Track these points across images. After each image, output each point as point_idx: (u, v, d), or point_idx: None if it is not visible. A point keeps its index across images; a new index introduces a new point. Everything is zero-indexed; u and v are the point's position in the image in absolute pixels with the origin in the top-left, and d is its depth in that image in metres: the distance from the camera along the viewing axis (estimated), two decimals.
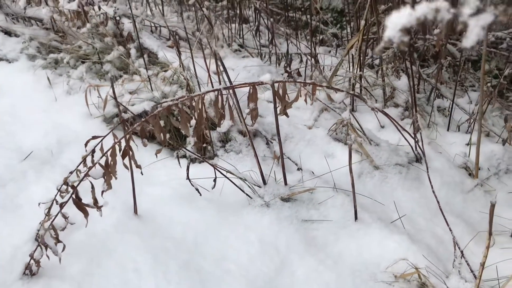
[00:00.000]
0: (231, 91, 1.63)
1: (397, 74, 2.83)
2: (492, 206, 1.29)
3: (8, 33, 2.71)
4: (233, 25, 3.56)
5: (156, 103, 1.77)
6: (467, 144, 2.39)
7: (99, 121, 2.21)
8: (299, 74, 2.76)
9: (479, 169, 2.27)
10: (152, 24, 2.89)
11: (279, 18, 4.33)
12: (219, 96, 1.60)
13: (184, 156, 1.95)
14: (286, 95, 1.70)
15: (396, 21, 0.56)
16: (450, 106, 2.61)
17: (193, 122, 1.98)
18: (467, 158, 2.30)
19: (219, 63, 1.61)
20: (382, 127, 2.46)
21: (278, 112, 1.67)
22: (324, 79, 2.61)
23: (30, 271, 1.45)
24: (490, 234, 1.36)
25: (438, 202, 1.70)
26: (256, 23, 3.19)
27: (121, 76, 2.29)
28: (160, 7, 3.57)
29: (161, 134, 1.48)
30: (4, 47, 2.65)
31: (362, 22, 2.33)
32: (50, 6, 2.40)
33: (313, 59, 3.03)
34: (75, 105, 2.29)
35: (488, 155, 2.33)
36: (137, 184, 1.85)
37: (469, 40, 0.55)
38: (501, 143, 2.40)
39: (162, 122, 1.50)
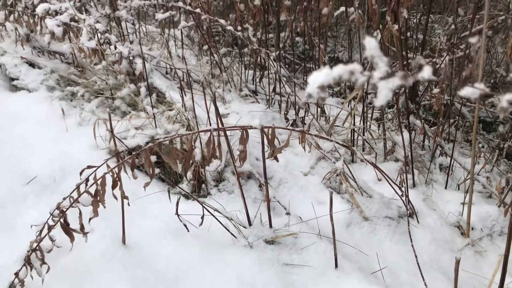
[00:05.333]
0: (221, 132, 1.72)
1: (399, 129, 2.89)
2: (457, 262, 1.32)
3: (32, 64, 2.88)
4: (250, 72, 3.70)
5: (149, 139, 1.87)
6: (463, 203, 2.40)
7: (104, 152, 2.32)
8: (303, 122, 2.85)
9: (472, 229, 2.28)
10: (168, 66, 3.03)
11: (297, 67, 4.46)
12: (211, 137, 1.69)
13: (179, 193, 2.02)
14: (277, 139, 1.78)
15: (315, 80, 0.64)
16: (449, 164, 2.64)
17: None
18: (460, 217, 2.31)
19: (213, 105, 1.70)
20: (379, 180, 2.49)
21: (266, 156, 1.74)
22: (325, 128, 2.68)
23: None
24: None
25: (415, 255, 1.72)
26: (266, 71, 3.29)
27: (129, 112, 2.41)
28: (180, 51, 3.74)
29: (150, 168, 1.56)
30: (27, 77, 2.82)
31: None
32: (71, 43, 2.57)
33: (319, 109, 3.12)
34: (84, 136, 2.40)
35: (483, 216, 2.34)
36: (131, 215, 1.93)
37: (379, 100, 0.62)
38: (497, 205, 2.40)
39: (154, 158, 1.59)
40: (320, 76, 0.63)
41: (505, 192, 2.21)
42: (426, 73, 0.61)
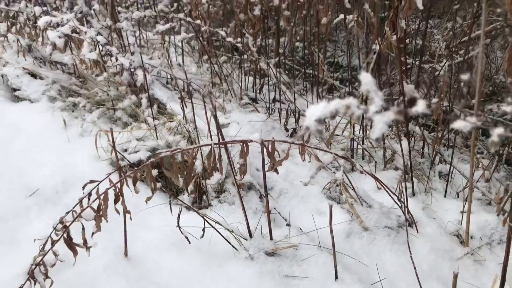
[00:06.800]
0: (222, 146, 1.74)
1: (398, 137, 2.90)
2: (455, 276, 1.33)
3: (34, 75, 2.91)
4: (250, 79, 3.71)
5: (151, 154, 1.90)
6: (462, 212, 2.42)
7: (106, 163, 2.34)
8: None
9: (472, 238, 2.29)
10: (168, 76, 3.05)
11: (298, 73, 4.47)
12: (212, 150, 1.71)
13: (181, 205, 2.04)
14: (277, 152, 1.80)
15: (313, 113, 0.66)
16: (448, 172, 2.66)
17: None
18: (459, 226, 2.32)
19: (214, 119, 1.72)
20: (379, 188, 2.51)
21: (266, 169, 1.75)
22: (325, 136, 2.70)
23: None
24: None
25: (414, 267, 1.73)
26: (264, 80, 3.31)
27: (131, 123, 2.43)
28: (181, 58, 3.75)
29: (152, 183, 1.58)
30: (29, 88, 2.84)
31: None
32: (72, 54, 2.60)
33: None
34: (86, 147, 2.42)
35: (482, 225, 2.35)
36: (133, 227, 1.95)
37: (375, 133, 0.64)
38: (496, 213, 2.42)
39: (155, 171, 1.61)
40: (317, 109, 0.65)
41: (503, 201, 2.23)
42: (420, 107, 0.63)
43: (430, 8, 2.89)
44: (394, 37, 2.33)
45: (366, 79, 0.63)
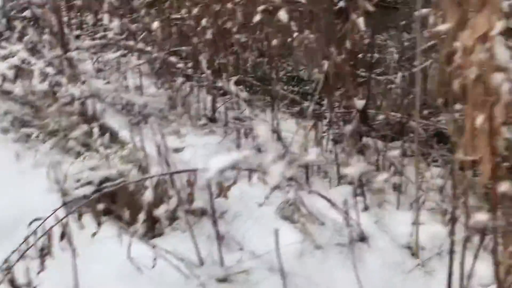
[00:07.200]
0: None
1: (349, 153, 2.96)
2: None
3: None
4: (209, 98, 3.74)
5: (96, 188, 1.91)
6: (413, 223, 2.48)
7: (58, 196, 2.32)
8: (259, 150, 2.90)
9: (423, 249, 2.36)
10: (124, 101, 3.06)
11: (258, 89, 4.52)
12: (159, 181, 1.73)
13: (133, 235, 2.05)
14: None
15: (215, 165, 0.69)
16: (400, 183, 2.72)
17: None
18: (411, 238, 2.38)
19: (163, 147, 1.75)
20: (333, 204, 2.56)
21: (214, 196, 1.78)
22: None
23: None
24: None
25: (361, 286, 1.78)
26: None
27: (83, 153, 2.43)
28: (138, 80, 3.74)
29: (98, 217, 1.59)
30: None
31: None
32: (23, 85, 2.59)
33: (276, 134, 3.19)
34: (39, 179, 2.40)
35: (432, 235, 2.41)
36: (85, 259, 1.93)
37: (272, 181, 0.68)
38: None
39: (101, 205, 1.62)
40: (219, 161, 0.68)
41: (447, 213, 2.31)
42: (312, 155, 0.67)
43: (374, 29, 3.00)
44: (339, 58, 2.41)
45: (261, 131, 0.67)
